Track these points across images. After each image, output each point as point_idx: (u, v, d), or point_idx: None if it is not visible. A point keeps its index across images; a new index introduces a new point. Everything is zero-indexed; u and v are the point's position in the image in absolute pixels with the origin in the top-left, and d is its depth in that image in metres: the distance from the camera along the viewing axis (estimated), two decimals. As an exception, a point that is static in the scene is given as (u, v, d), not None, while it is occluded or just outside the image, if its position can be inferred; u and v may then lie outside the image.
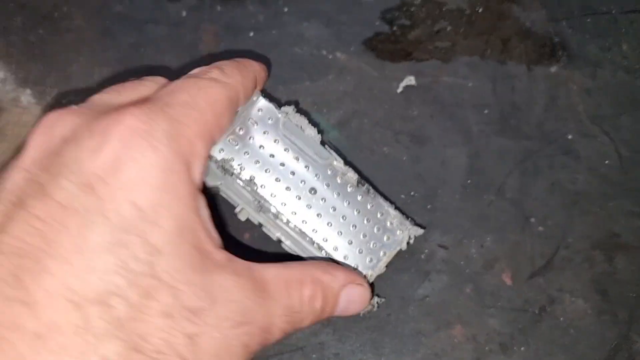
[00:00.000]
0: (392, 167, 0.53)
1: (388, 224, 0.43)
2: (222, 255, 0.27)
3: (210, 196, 0.37)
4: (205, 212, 0.27)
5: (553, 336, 0.48)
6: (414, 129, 0.54)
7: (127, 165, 0.23)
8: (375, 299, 0.45)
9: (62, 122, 0.26)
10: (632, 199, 0.51)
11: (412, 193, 0.52)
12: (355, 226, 0.42)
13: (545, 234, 0.50)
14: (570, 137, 0.54)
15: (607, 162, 0.53)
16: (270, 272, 0.29)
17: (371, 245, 0.42)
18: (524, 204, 0.51)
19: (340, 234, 0.42)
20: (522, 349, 0.47)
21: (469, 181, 0.52)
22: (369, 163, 0.53)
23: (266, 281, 0.28)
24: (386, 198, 0.46)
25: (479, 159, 0.53)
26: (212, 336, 0.24)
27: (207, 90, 0.28)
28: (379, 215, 0.43)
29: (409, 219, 0.44)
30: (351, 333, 0.48)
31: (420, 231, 0.44)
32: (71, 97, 0.56)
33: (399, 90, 0.56)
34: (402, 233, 0.42)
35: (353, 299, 0.38)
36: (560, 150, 0.53)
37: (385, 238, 0.42)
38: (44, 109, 0.56)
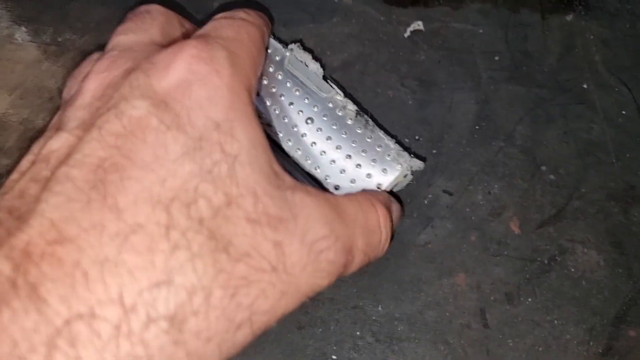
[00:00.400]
0: (396, 111, 0.50)
1: (386, 156, 0.40)
2: (291, 179, 0.27)
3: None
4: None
5: (563, 288, 0.44)
6: (421, 74, 0.52)
7: (196, 85, 0.23)
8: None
9: (114, 64, 0.25)
10: (650, 150, 0.48)
11: (416, 137, 0.49)
12: (350, 156, 0.39)
13: (556, 183, 0.47)
14: (585, 86, 0.51)
15: (624, 112, 0.50)
16: (340, 196, 0.30)
17: (365, 177, 0.39)
18: (535, 151, 0.49)
19: (332, 162, 0.39)
20: (529, 300, 0.44)
21: (477, 127, 0.50)
22: (373, 106, 0.51)
23: (340, 202, 0.28)
24: (387, 132, 0.43)
25: (488, 105, 0.50)
26: (298, 247, 0.24)
27: (247, 28, 0.29)
28: (377, 148, 0.40)
29: (410, 153, 0.41)
30: (346, 277, 0.45)
31: (420, 164, 0.41)
32: (67, 35, 0.55)
33: (406, 34, 0.53)
34: (401, 166, 0.39)
35: (397, 214, 0.38)
36: (574, 99, 0.50)
37: (381, 170, 0.39)
38: (38, 46, 0.54)
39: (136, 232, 0.19)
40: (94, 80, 0.24)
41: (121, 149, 0.20)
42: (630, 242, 0.46)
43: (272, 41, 0.40)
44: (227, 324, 0.20)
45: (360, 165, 0.39)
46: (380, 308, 0.44)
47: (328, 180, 0.39)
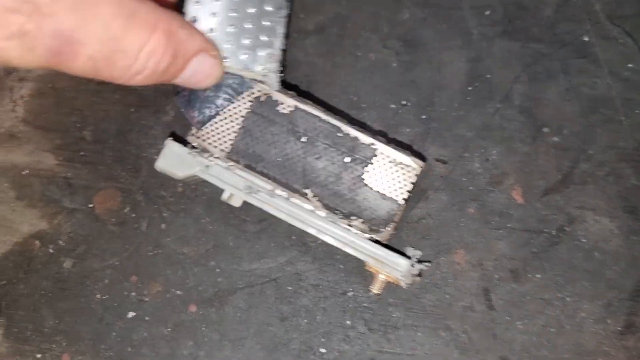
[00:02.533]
0: (379, 75, 0.44)
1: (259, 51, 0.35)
2: None
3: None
4: None
5: (574, 260, 0.39)
6: (405, 33, 0.46)
7: None
8: (417, 266, 0.36)
9: None
10: (661, 105, 0.43)
11: (403, 102, 0.43)
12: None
13: (561, 145, 0.42)
14: (586, 39, 0.45)
15: (630, 65, 0.44)
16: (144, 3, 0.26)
17: (248, 42, 0.34)
18: (535, 111, 0.43)
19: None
20: (538, 276, 0.39)
21: (469, 88, 0.44)
22: (354, 70, 0.45)
23: (135, 6, 0.25)
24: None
25: (481, 63, 0.45)
26: None
27: None
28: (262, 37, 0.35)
29: (408, 155, 0.36)
30: (333, 261, 0.40)
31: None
32: None
33: (387, -9, 0.47)
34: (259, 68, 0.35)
35: (203, 69, 0.30)
36: (575, 53, 0.45)
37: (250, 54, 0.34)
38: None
39: None
40: None
41: None
42: (646, 206, 0.40)
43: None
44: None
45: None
46: (371, 294, 0.39)
47: None
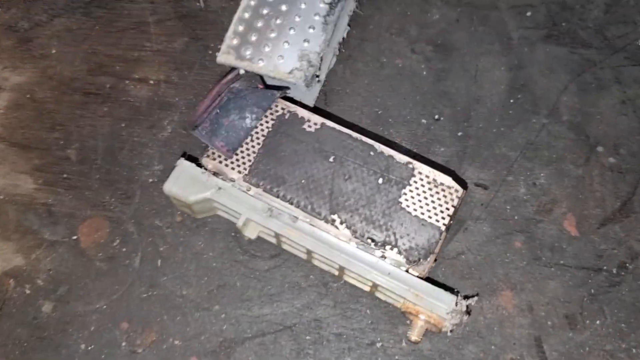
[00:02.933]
0: (408, 84, 0.39)
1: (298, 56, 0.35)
2: None
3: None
4: None
5: (638, 302, 0.34)
6: (436, 36, 0.40)
7: None
8: (463, 302, 0.30)
9: None
10: None
11: (436, 116, 0.38)
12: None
13: (618, 167, 0.36)
14: (640, 43, 0.40)
15: (692, 73, 0.39)
16: None
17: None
18: (587, 127, 0.37)
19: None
20: (597, 322, 0.33)
21: (511, 100, 0.38)
22: (377, 79, 0.39)
23: None
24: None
25: (523, 71, 0.39)
26: None
27: None
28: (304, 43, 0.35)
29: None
30: (358, 305, 0.34)
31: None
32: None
33: (414, -11, 0.42)
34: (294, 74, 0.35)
35: None
36: (629, 60, 0.39)
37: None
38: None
39: None
40: None
41: None
42: None
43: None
44: None
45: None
46: (404, 344, 0.33)
47: None
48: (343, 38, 0.39)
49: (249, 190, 0.32)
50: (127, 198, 0.37)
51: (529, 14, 0.41)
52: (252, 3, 0.37)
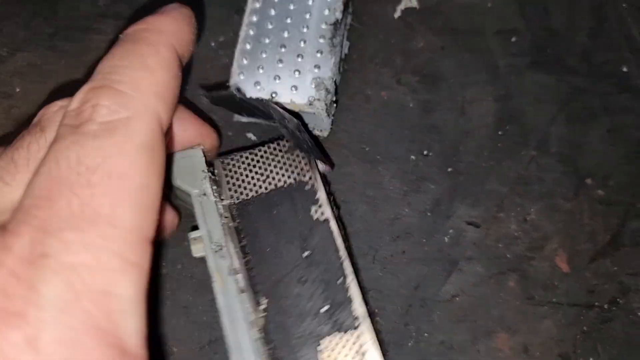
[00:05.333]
0: (394, 118, 0.38)
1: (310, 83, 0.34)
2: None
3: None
4: None
5: (631, 338, 0.34)
6: (421, 65, 0.39)
7: None
8: None
9: None
10: None
11: (424, 152, 0.37)
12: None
13: (607, 199, 0.36)
14: (625, 69, 0.39)
15: (677, 99, 0.39)
16: None
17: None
18: (576, 159, 0.37)
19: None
20: (591, 359, 0.33)
21: (499, 132, 0.37)
22: (363, 114, 0.38)
23: None
24: None
25: (511, 101, 0.38)
26: None
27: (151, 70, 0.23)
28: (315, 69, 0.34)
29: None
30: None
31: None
32: None
33: (397, 14, 0.40)
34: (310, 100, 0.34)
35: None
36: (616, 87, 0.39)
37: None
38: None
39: None
40: None
41: None
42: None
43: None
44: None
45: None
46: (401, 393, 0.32)
47: None
48: (345, 55, 0.37)
49: (221, 217, 0.30)
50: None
51: (514, 39, 0.40)
52: (252, 33, 0.34)
